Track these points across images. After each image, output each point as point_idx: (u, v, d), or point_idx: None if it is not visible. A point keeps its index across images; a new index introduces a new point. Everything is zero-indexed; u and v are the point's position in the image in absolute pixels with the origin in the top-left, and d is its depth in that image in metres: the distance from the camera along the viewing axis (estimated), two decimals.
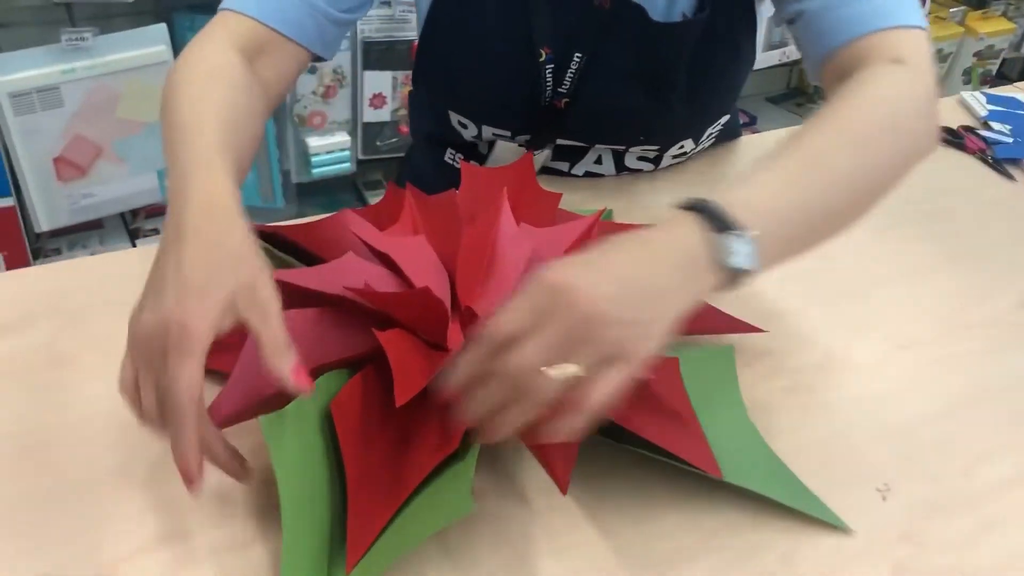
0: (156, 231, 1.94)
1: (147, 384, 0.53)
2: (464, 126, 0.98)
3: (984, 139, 1.12)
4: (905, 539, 0.63)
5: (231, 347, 0.61)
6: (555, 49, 0.89)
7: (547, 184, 0.87)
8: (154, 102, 1.75)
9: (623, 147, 0.98)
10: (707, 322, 0.77)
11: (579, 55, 0.89)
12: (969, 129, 1.14)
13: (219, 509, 0.61)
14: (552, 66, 0.89)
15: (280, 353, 0.54)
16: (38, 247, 1.85)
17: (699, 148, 1.04)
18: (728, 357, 0.75)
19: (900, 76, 0.71)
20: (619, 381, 0.52)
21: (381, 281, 0.71)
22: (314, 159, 1.93)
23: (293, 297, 0.69)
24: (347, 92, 1.93)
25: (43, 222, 1.77)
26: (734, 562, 0.60)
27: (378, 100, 1.95)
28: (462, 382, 0.55)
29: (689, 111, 0.94)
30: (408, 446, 0.62)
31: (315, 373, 0.63)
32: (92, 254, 1.84)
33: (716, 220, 0.56)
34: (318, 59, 0.83)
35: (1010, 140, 1.12)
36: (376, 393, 0.63)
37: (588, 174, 1.02)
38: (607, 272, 0.53)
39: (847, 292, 0.86)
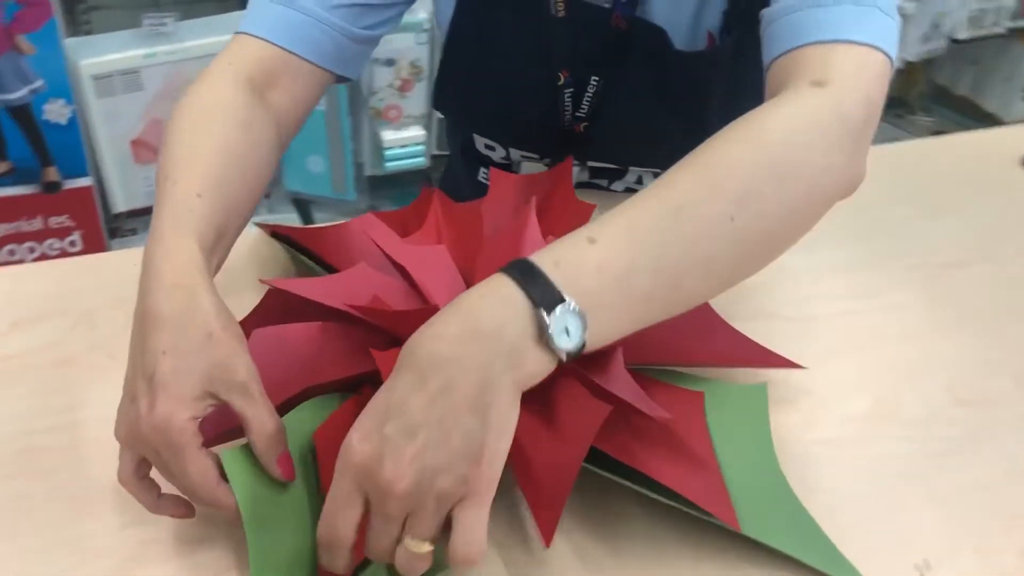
0: None
1: (163, 472, 0.54)
2: (492, 148, 0.95)
3: None
4: None
5: None
6: (573, 72, 0.85)
7: (584, 197, 0.82)
8: None
9: (657, 171, 0.93)
10: (739, 354, 0.72)
11: (596, 78, 0.84)
12: None
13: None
14: (571, 90, 0.85)
15: (269, 443, 0.54)
16: (115, 226, 1.89)
17: None
18: (761, 397, 0.69)
19: (808, 104, 0.59)
20: (478, 514, 0.48)
21: (392, 293, 0.68)
22: (388, 152, 1.92)
23: (299, 308, 0.66)
24: (423, 86, 1.91)
25: (120, 202, 1.80)
26: None
27: None
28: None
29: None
30: None
31: (309, 393, 0.61)
32: None
33: (542, 292, 0.49)
34: (342, 80, 0.80)
35: None
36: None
37: (628, 190, 0.97)
38: (408, 439, 0.47)
39: (904, 335, 0.79)
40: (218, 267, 0.65)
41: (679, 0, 0.81)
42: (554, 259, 0.51)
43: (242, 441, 0.55)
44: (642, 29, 0.81)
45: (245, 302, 0.72)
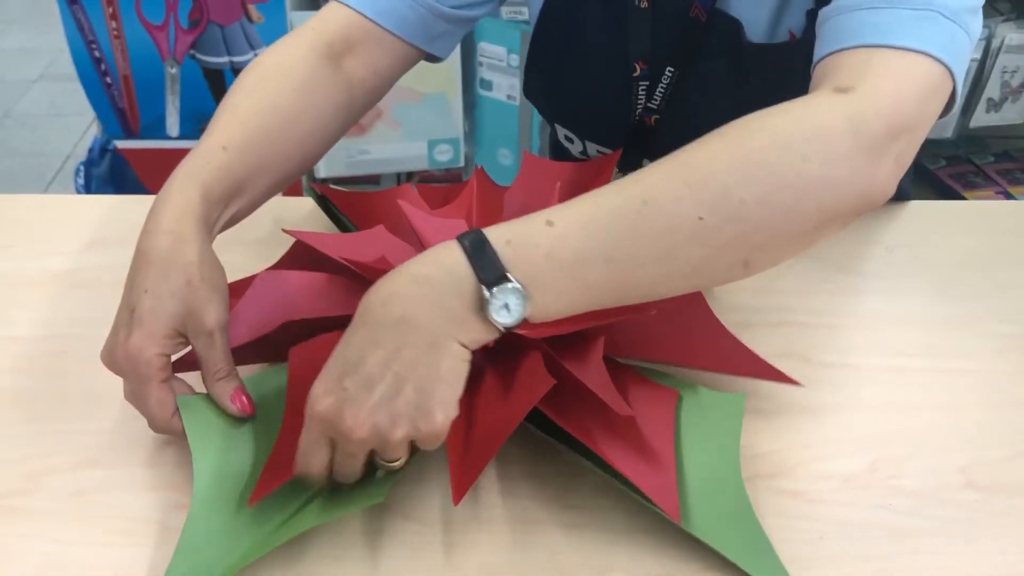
0: None
1: (129, 398, 0.61)
2: (570, 140, 0.95)
3: None
4: None
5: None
6: (650, 64, 0.83)
7: None
8: (435, 74, 1.86)
9: None
10: (732, 361, 0.68)
11: (671, 70, 0.82)
12: None
13: None
14: (646, 82, 0.84)
15: (222, 381, 0.61)
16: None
17: None
18: (737, 406, 0.65)
19: (821, 109, 0.55)
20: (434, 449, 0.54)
21: (401, 257, 0.71)
22: None
23: (320, 262, 0.70)
24: None
25: (322, 169, 1.94)
26: None
27: None
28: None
29: None
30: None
31: (303, 327, 0.65)
32: None
33: (486, 268, 0.51)
34: (431, 58, 0.83)
35: None
36: None
37: None
38: (366, 392, 0.52)
39: (942, 403, 0.70)
40: (237, 218, 0.70)
41: None
42: (507, 236, 0.52)
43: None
44: (720, 20, 0.78)
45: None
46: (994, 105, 1.99)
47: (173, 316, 0.59)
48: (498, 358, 0.63)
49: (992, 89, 1.96)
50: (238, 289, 0.74)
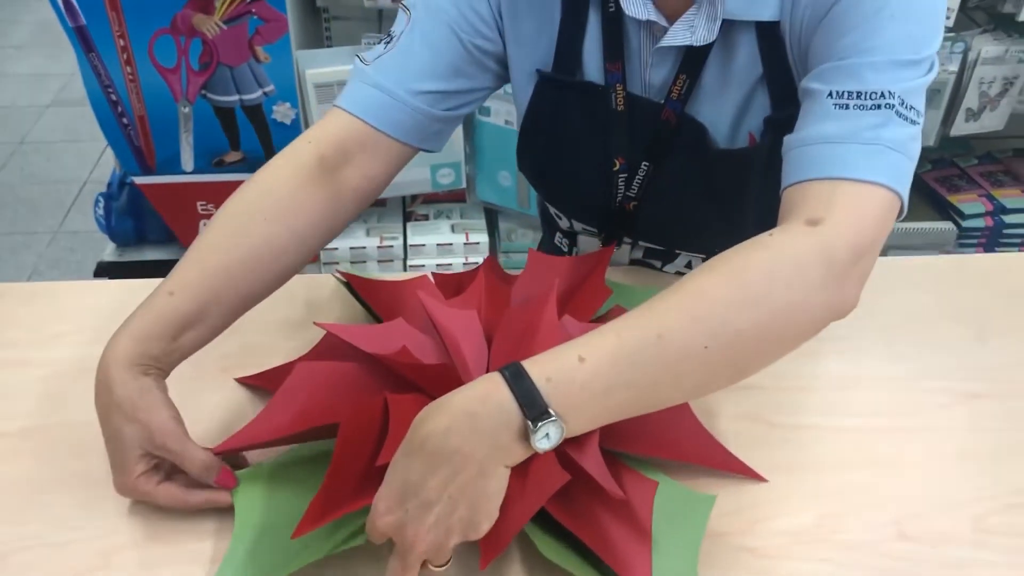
0: (427, 216, 2.14)
1: None
2: (559, 217, 1.04)
3: None
4: None
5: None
6: (627, 159, 0.92)
7: (635, 275, 0.92)
8: None
9: (703, 256, 0.98)
10: (704, 453, 0.78)
11: (646, 164, 0.91)
12: None
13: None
14: (625, 174, 0.93)
15: (205, 471, 0.72)
16: None
17: None
18: (706, 507, 0.74)
19: (798, 242, 0.66)
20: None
21: (421, 346, 0.80)
22: None
23: (349, 351, 0.80)
24: None
25: None
26: None
27: None
28: None
29: (764, 227, 0.90)
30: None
31: (327, 429, 0.74)
32: (369, 228, 2.09)
33: (532, 405, 0.61)
34: (427, 150, 0.92)
35: None
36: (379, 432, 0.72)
37: (679, 273, 1.03)
38: (425, 512, 0.62)
39: (878, 460, 0.80)
40: (197, 345, 0.78)
41: (723, 102, 0.86)
42: (547, 374, 0.62)
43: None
44: (688, 124, 0.87)
45: (317, 334, 0.87)
46: (973, 115, 2.07)
47: (134, 449, 0.71)
48: None
49: (971, 99, 2.04)
50: (276, 376, 0.84)
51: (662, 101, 0.88)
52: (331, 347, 0.85)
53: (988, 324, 0.95)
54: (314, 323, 0.83)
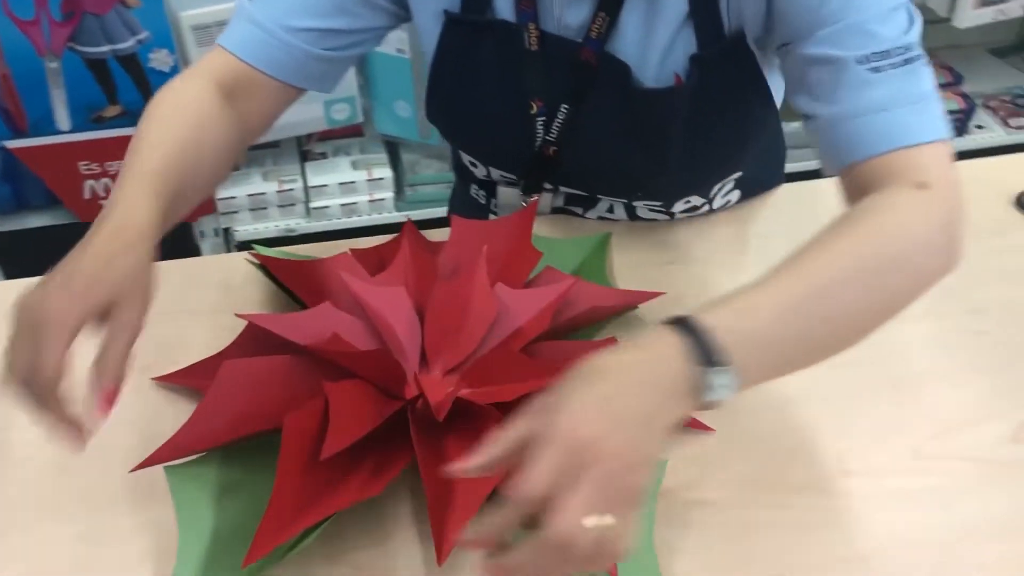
0: (324, 155, 2.07)
1: (18, 351, 0.61)
2: (474, 165, 1.01)
3: None
4: None
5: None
6: (546, 101, 0.89)
7: (560, 224, 0.90)
8: None
9: (624, 201, 0.97)
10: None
11: (565, 107, 0.89)
12: None
13: None
14: (543, 118, 0.90)
15: (106, 371, 0.62)
16: None
17: (719, 204, 1.00)
18: (657, 470, 0.74)
19: (921, 206, 0.68)
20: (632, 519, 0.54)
21: (352, 331, 0.78)
22: None
23: (274, 340, 0.77)
24: None
25: None
26: None
27: None
28: (495, 543, 0.55)
29: (689, 171, 0.91)
30: (336, 478, 0.68)
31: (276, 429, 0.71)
32: (265, 173, 2.01)
33: (702, 352, 0.56)
34: (319, 90, 0.89)
35: None
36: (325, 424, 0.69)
37: (602, 219, 1.01)
38: (616, 417, 0.54)
39: (813, 396, 0.82)
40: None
41: (647, 40, 0.83)
42: (711, 323, 0.58)
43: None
44: (609, 64, 0.85)
45: (239, 321, 0.82)
46: None
47: (99, 300, 0.62)
48: (376, 451, 0.70)
49: None
50: (198, 373, 0.80)
51: (580, 40, 0.85)
52: (254, 337, 0.81)
53: None
54: (235, 314, 0.79)
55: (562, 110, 0.89)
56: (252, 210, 1.99)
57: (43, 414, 0.62)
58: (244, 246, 2.01)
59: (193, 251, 2.02)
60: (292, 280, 0.86)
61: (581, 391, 0.54)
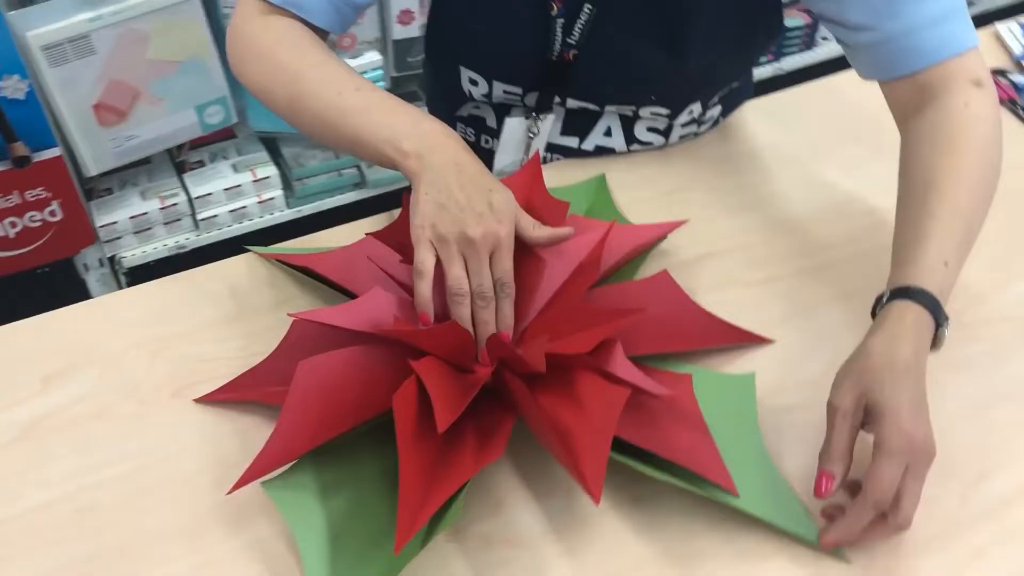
0: (201, 163, 1.97)
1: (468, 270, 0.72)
2: (475, 83, 0.99)
3: (1015, 85, 1.07)
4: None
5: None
6: (566, 2, 0.89)
7: (552, 173, 0.89)
8: (184, 40, 1.76)
9: (633, 109, 0.98)
10: (710, 333, 0.80)
11: (589, 6, 0.89)
12: (1000, 72, 1.09)
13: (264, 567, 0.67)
14: (563, 20, 0.90)
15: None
16: (90, 188, 1.90)
17: (707, 118, 1.03)
18: (748, 385, 0.77)
19: (985, 104, 0.80)
20: None
21: (407, 313, 0.75)
22: None
23: (324, 334, 0.73)
24: (374, 10, 1.90)
25: (91, 167, 1.81)
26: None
27: (406, 16, 1.92)
28: (851, 533, 0.66)
29: (703, 70, 0.93)
30: (452, 452, 0.68)
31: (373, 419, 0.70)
32: (143, 191, 1.89)
33: (937, 317, 0.71)
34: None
35: None
36: (423, 402, 0.68)
37: (599, 149, 1.01)
38: (924, 413, 0.67)
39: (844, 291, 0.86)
40: None
41: None
42: (939, 287, 0.72)
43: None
44: None
45: (256, 326, 0.78)
46: None
47: (513, 209, 0.75)
48: (480, 416, 0.70)
49: None
50: (247, 382, 0.77)
51: None
52: (301, 337, 0.77)
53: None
54: (288, 314, 0.75)
55: (585, 10, 0.89)
56: (136, 233, 1.88)
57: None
58: (133, 273, 1.90)
59: (79, 287, 1.89)
60: (326, 268, 0.82)
61: (899, 395, 0.66)
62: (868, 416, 0.67)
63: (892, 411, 0.65)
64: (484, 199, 0.72)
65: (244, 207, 1.94)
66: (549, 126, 0.99)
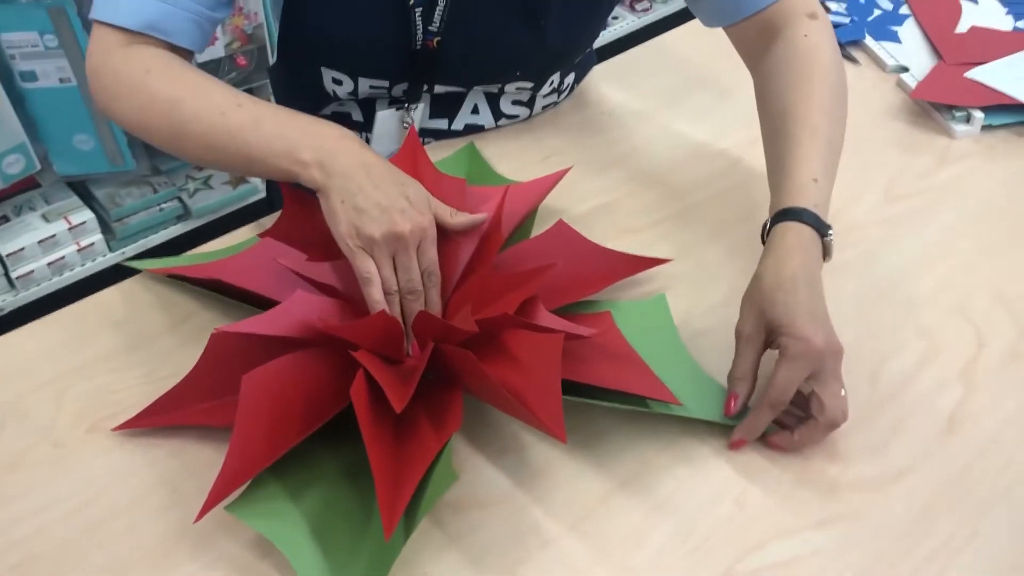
0: (6, 217, 1.84)
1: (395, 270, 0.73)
2: (339, 82, 0.98)
3: None
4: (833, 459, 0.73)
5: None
6: None
7: (428, 149, 0.90)
8: None
9: (499, 86, 1.01)
10: (619, 269, 0.84)
11: None
12: None
13: None
14: (421, 8, 0.90)
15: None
16: None
17: (565, 86, 1.07)
18: (662, 305, 0.82)
19: (823, 32, 0.87)
20: None
21: (334, 311, 0.74)
22: None
23: (247, 346, 0.71)
24: None
25: None
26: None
27: None
28: (753, 431, 0.73)
29: (563, 39, 0.97)
30: (414, 434, 0.68)
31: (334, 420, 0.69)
32: None
33: (821, 231, 0.76)
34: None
35: (847, 20, 1.19)
36: (374, 393, 0.68)
37: (468, 128, 1.04)
38: (824, 320, 0.72)
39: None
40: None
41: None
42: (814, 202, 0.78)
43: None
44: None
45: (157, 349, 0.77)
46: None
47: (425, 196, 0.75)
48: (429, 400, 0.71)
49: None
50: (168, 404, 0.74)
51: None
52: (222, 352, 0.74)
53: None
54: (216, 329, 0.71)
55: None
56: None
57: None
58: None
59: None
60: (231, 275, 0.80)
61: (790, 307, 0.71)
62: (771, 334, 0.73)
63: (787, 323, 0.71)
64: (400, 194, 0.73)
65: (62, 257, 1.82)
66: (421, 115, 1.00)
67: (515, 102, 1.04)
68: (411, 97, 0.98)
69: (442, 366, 0.72)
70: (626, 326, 0.77)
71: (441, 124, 1.03)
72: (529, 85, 1.02)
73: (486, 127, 1.04)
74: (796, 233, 0.76)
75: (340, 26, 0.93)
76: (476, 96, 1.02)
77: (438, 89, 0.99)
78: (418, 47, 0.93)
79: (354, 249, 0.72)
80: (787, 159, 0.81)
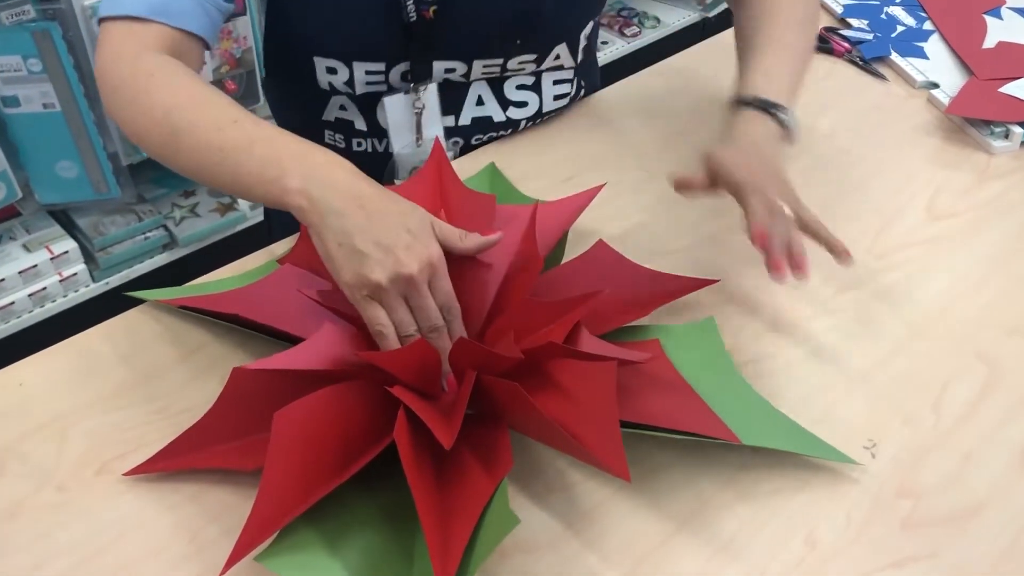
0: None
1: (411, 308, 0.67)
2: (333, 71, 0.94)
3: (847, 39, 1.15)
4: (904, 494, 0.68)
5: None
6: None
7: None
8: None
9: (500, 63, 0.96)
10: (664, 291, 0.79)
11: None
12: (832, 30, 1.17)
13: None
14: None
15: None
16: None
17: (571, 74, 1.03)
18: (711, 329, 0.77)
19: None
20: None
21: (361, 344, 0.69)
22: None
23: (259, 391, 0.66)
24: None
25: None
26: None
27: None
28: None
29: (561, 8, 0.94)
30: (462, 477, 0.63)
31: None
32: None
33: (767, 107, 0.82)
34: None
35: (870, 36, 1.16)
36: (419, 433, 0.63)
37: (476, 122, 1.00)
38: (778, 169, 0.78)
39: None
40: None
41: None
42: (762, 89, 0.83)
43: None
44: None
45: (171, 383, 0.72)
46: None
47: (429, 224, 0.68)
48: (472, 438, 0.66)
49: None
50: (184, 446, 0.68)
51: None
52: (244, 389, 0.68)
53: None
54: (235, 368, 0.66)
55: None
56: None
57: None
58: None
59: None
60: (246, 309, 0.74)
61: (751, 163, 0.77)
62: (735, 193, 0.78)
63: (732, 166, 0.77)
64: (401, 226, 0.66)
65: (44, 288, 1.75)
66: (434, 98, 0.96)
67: (520, 86, 1.00)
68: (415, 77, 0.94)
69: (483, 400, 0.67)
70: (675, 353, 0.72)
71: (448, 121, 0.99)
72: (532, 57, 0.97)
73: (495, 119, 1.00)
74: (738, 113, 0.83)
75: (329, 12, 0.89)
76: (479, 86, 0.98)
77: (437, 69, 0.95)
78: (412, 19, 0.89)
79: (360, 300, 0.66)
80: (745, 66, 0.87)
